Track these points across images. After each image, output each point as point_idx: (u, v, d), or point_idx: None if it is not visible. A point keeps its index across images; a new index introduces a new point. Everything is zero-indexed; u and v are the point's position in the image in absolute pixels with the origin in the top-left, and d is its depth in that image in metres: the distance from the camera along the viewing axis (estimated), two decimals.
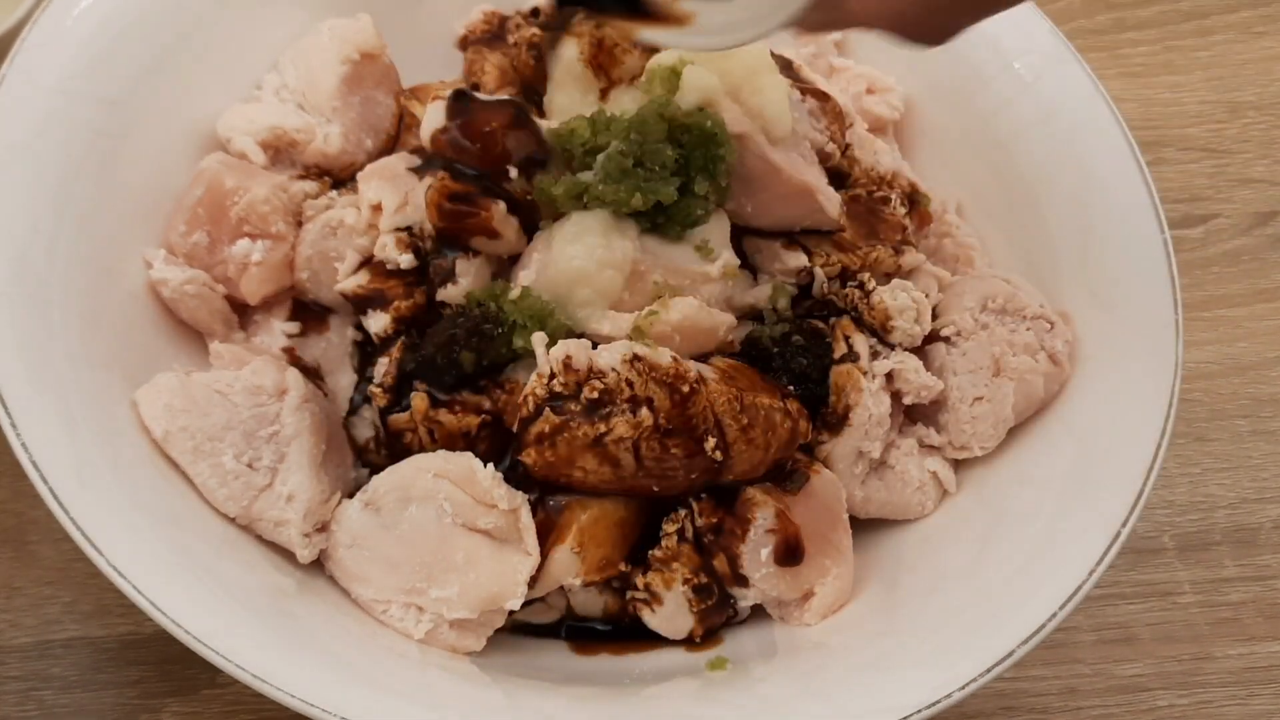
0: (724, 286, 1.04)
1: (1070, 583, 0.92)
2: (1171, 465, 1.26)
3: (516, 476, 0.97)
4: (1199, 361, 1.32)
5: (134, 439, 0.95)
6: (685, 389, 0.93)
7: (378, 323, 1.02)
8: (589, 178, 1.00)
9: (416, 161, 1.08)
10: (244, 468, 0.95)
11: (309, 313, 1.10)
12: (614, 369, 0.93)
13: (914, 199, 1.16)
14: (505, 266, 1.05)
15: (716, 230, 1.03)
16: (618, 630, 1.03)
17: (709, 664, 0.98)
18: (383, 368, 1.01)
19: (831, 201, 1.07)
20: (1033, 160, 1.16)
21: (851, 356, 1.03)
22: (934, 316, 1.08)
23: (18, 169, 0.98)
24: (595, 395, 0.92)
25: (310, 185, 1.11)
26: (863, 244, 1.09)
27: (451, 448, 0.97)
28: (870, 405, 1.02)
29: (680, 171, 1.00)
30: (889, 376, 1.04)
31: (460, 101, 1.02)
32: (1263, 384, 1.32)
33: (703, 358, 1.01)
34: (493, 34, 1.22)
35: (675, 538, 0.98)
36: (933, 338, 1.07)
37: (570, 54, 1.08)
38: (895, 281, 1.07)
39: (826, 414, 1.03)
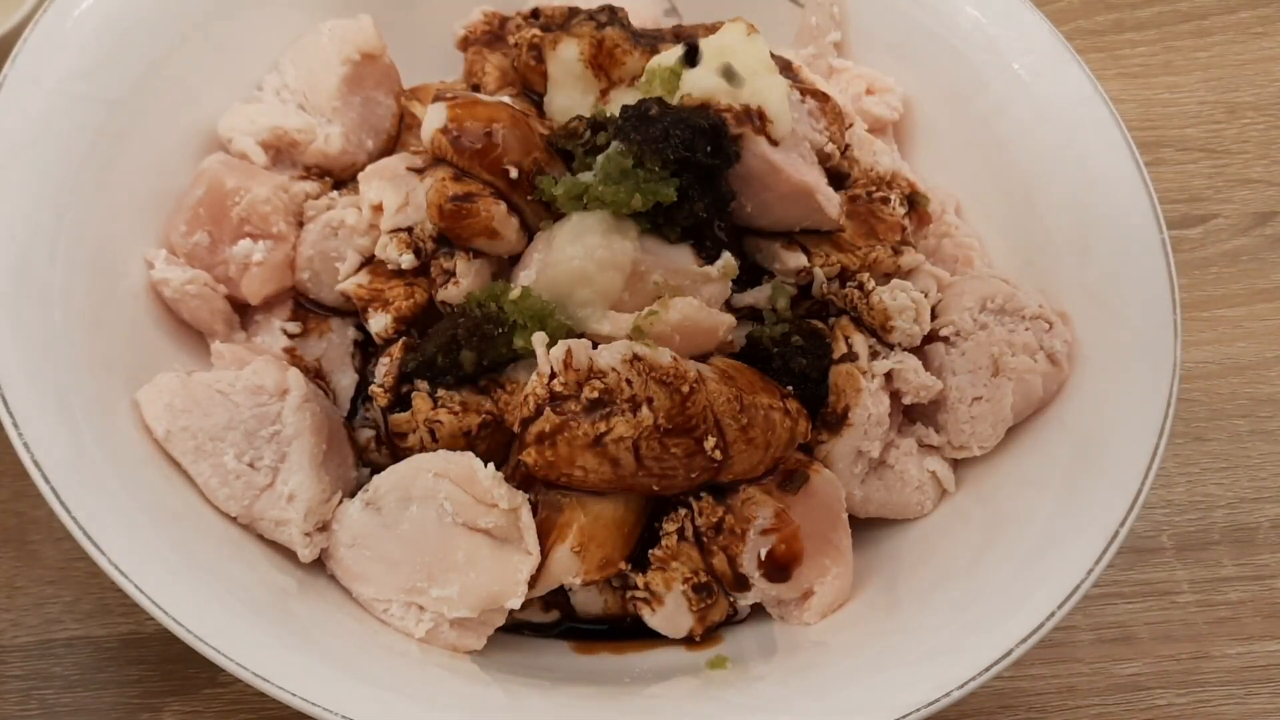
0: (724, 286, 1.04)
1: (1069, 582, 0.92)
2: (1170, 465, 1.27)
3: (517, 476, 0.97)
4: (1197, 361, 1.33)
5: (135, 439, 0.95)
6: (685, 389, 0.93)
7: (379, 323, 1.02)
8: (589, 178, 1.00)
9: (417, 162, 1.08)
10: (245, 467, 0.95)
11: (310, 313, 1.10)
12: (614, 369, 0.93)
13: (913, 199, 1.16)
14: (505, 266, 1.06)
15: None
16: (618, 629, 1.03)
17: (709, 662, 0.99)
18: (384, 368, 1.01)
19: (831, 201, 1.07)
20: (1032, 160, 1.16)
21: (851, 356, 1.03)
22: (933, 316, 1.08)
23: (19, 169, 0.98)
24: (595, 395, 0.92)
25: (311, 185, 1.11)
26: (862, 244, 1.10)
27: (452, 447, 0.97)
28: (869, 405, 1.02)
29: (680, 171, 1.00)
30: (888, 376, 1.04)
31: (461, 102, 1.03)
32: (1261, 384, 1.33)
33: (703, 358, 1.01)
34: (493, 34, 1.23)
35: (675, 537, 0.98)
36: (932, 338, 1.08)
37: (570, 54, 1.09)
38: (895, 281, 1.07)
39: (826, 414, 1.03)
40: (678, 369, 0.94)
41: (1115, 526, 0.94)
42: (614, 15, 1.11)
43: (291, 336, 1.09)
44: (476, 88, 1.19)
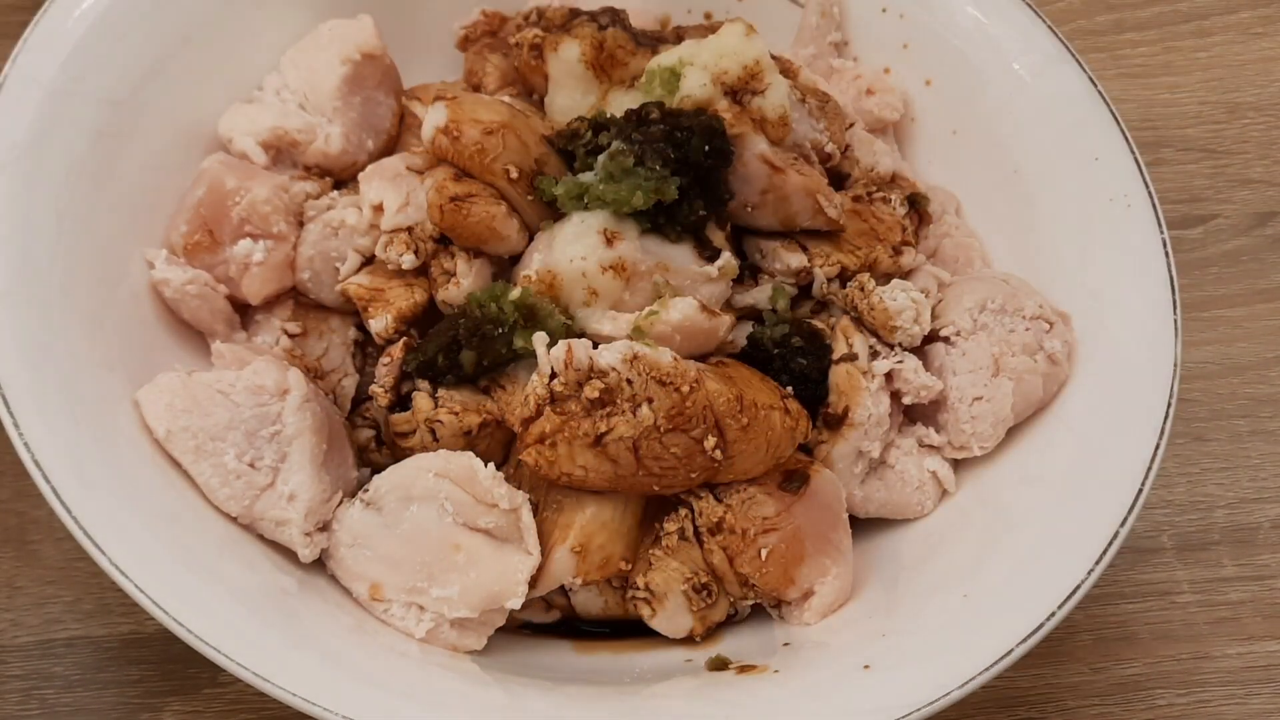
0: (724, 286, 1.04)
1: (1069, 582, 0.92)
2: (1170, 465, 1.27)
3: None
4: (1197, 361, 1.32)
5: (136, 438, 0.95)
6: (685, 388, 0.93)
7: (379, 323, 1.02)
8: (590, 178, 1.01)
9: (418, 162, 1.08)
10: (246, 467, 0.95)
11: (310, 313, 1.10)
12: (614, 368, 0.93)
13: (914, 199, 1.16)
14: (505, 266, 1.06)
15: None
16: (618, 629, 1.03)
17: (709, 662, 0.99)
18: (384, 368, 1.01)
19: (831, 201, 1.07)
20: (1032, 161, 1.16)
21: (851, 356, 1.03)
22: (933, 316, 1.08)
23: (20, 169, 0.98)
24: (596, 395, 0.92)
25: (311, 185, 1.11)
26: (863, 244, 1.10)
27: (452, 447, 0.97)
28: (870, 405, 1.02)
29: (680, 171, 1.00)
30: (889, 376, 1.04)
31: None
32: (1261, 384, 1.33)
33: (703, 358, 1.01)
34: (493, 35, 1.23)
35: (676, 537, 0.98)
36: (932, 338, 1.08)
37: (571, 55, 1.09)
38: (895, 282, 1.07)
39: (826, 414, 1.03)
40: (678, 369, 0.94)
41: (1115, 526, 0.94)
42: (615, 17, 1.11)
43: (291, 336, 1.09)
44: (477, 88, 1.19)
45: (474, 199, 1.01)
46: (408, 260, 1.03)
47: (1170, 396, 1.00)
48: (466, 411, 0.99)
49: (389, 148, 1.16)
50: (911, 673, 0.90)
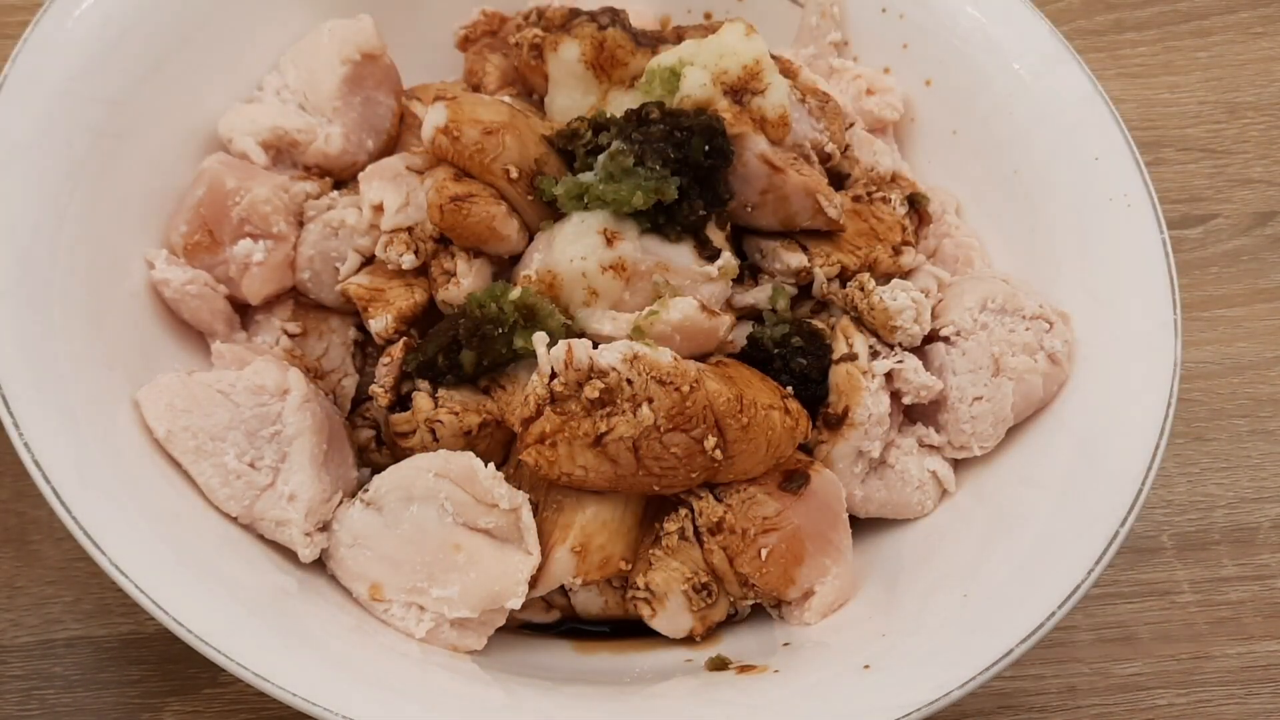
0: (724, 286, 1.04)
1: (1069, 582, 0.92)
2: (1170, 465, 1.27)
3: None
4: (1198, 361, 1.33)
5: (136, 439, 0.95)
6: (685, 388, 0.93)
7: (379, 323, 1.02)
8: (590, 178, 1.01)
9: (418, 162, 1.08)
10: (246, 467, 0.95)
11: (310, 313, 1.10)
12: (614, 368, 0.93)
13: (913, 199, 1.16)
14: (505, 266, 1.06)
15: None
16: (619, 629, 1.03)
17: (709, 663, 0.99)
18: (384, 368, 1.01)
19: (831, 201, 1.07)
20: (1032, 161, 1.16)
21: (851, 356, 1.03)
22: (933, 316, 1.08)
23: (20, 169, 0.98)
24: (596, 395, 0.92)
25: (311, 185, 1.11)
26: (863, 244, 1.10)
27: (453, 448, 0.97)
28: (870, 405, 1.02)
29: (680, 171, 1.00)
30: (889, 376, 1.04)
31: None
32: (1261, 384, 1.33)
33: (703, 358, 1.01)
34: (493, 34, 1.23)
35: (676, 536, 0.98)
36: (932, 338, 1.08)
37: (571, 55, 1.09)
38: (895, 281, 1.07)
39: (826, 414, 1.03)
40: (678, 369, 0.94)
41: (1115, 526, 0.94)
42: (615, 17, 1.11)
43: (291, 336, 1.09)
44: (477, 88, 1.19)
45: (474, 199, 1.01)
46: (408, 260, 1.03)
47: (1170, 396, 1.00)
48: (466, 411, 0.99)
49: (389, 148, 1.16)
50: (911, 673, 0.90)
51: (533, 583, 0.95)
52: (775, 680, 0.95)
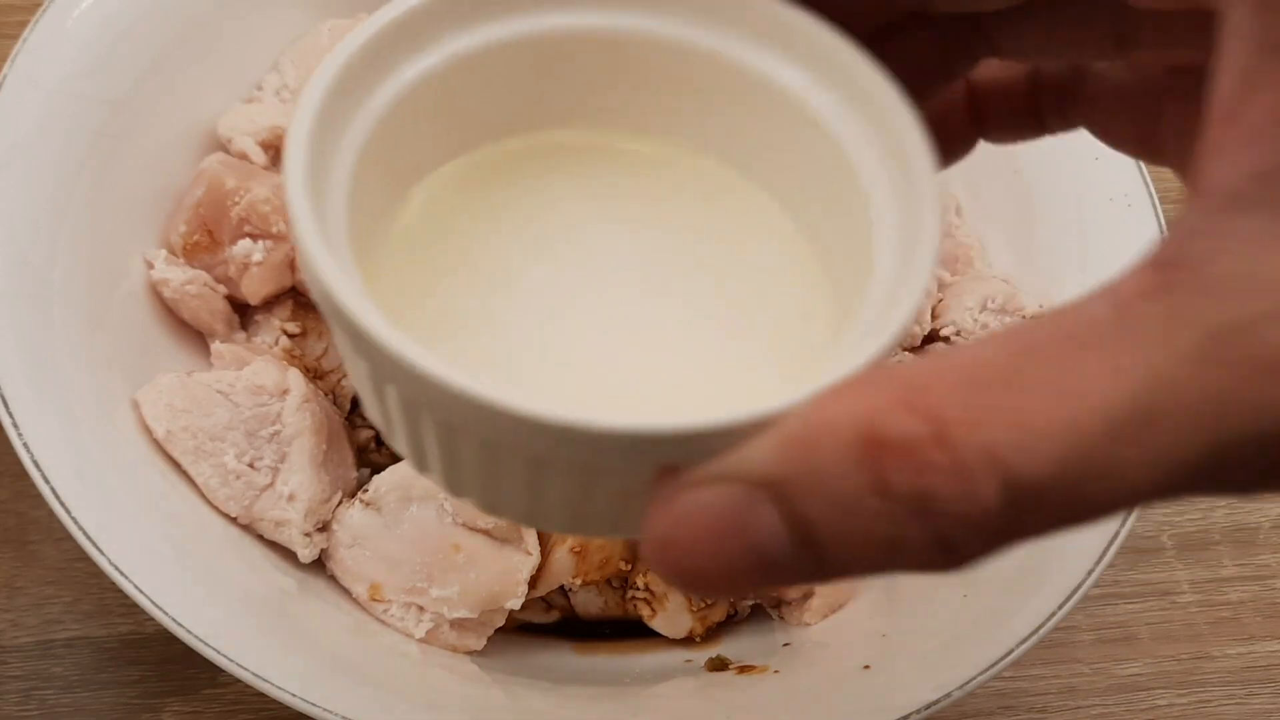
0: None
1: (1069, 582, 0.92)
2: None
3: None
4: None
5: (135, 439, 0.95)
6: None
7: None
8: None
9: None
10: (245, 467, 0.95)
11: (310, 313, 1.10)
12: None
13: None
14: None
15: None
16: (618, 629, 1.03)
17: (709, 663, 0.99)
18: None
19: None
20: (1032, 160, 1.16)
21: None
22: (933, 317, 1.08)
23: (18, 169, 0.98)
24: None
25: None
26: None
27: None
28: None
29: None
30: None
31: None
32: None
33: None
34: None
35: None
36: (933, 338, 1.07)
37: None
38: None
39: None
40: None
41: (1115, 526, 0.94)
42: None
43: (291, 336, 1.09)
44: None
45: None
46: None
47: None
48: None
49: None
50: (912, 673, 0.90)
51: (533, 583, 0.95)
52: (775, 680, 0.95)
